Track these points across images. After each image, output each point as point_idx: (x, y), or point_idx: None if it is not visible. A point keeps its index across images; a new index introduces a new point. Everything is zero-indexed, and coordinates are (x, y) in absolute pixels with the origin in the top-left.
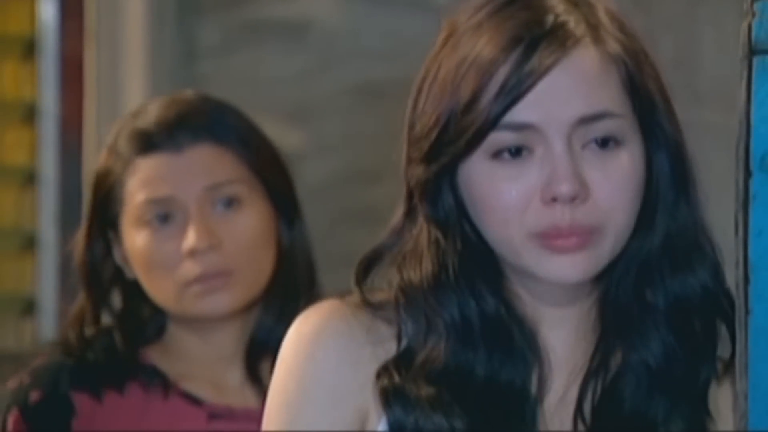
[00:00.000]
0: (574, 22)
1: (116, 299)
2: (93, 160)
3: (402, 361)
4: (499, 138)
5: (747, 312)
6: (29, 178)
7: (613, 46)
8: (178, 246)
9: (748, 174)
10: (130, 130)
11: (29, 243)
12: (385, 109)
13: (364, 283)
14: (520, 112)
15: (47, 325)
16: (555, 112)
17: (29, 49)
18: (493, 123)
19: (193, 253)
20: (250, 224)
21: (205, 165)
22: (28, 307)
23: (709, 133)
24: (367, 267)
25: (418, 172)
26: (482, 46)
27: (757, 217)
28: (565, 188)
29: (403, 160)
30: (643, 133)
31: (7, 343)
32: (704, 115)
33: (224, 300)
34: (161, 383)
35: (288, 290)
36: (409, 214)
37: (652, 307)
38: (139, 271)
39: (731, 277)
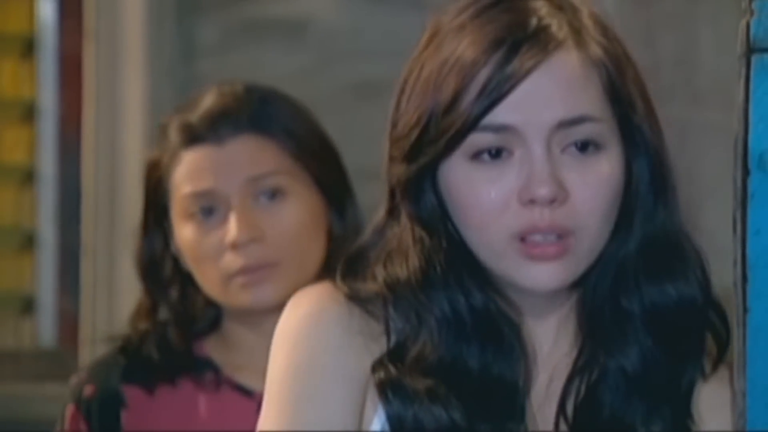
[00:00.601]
0: (556, 26)
1: (172, 293)
2: (92, 159)
3: (395, 356)
4: (478, 139)
5: (745, 310)
6: (28, 177)
7: (595, 51)
8: (222, 238)
9: (746, 172)
10: (178, 122)
11: (28, 241)
12: (384, 107)
13: (348, 280)
14: (500, 114)
15: (46, 324)
16: (535, 115)
17: (28, 47)
18: (473, 124)
19: (235, 246)
20: (295, 215)
21: (246, 157)
22: (27, 306)
23: (708, 132)
24: (351, 265)
25: (400, 171)
26: (464, 47)
27: (755, 216)
28: (543, 191)
29: (385, 159)
30: (624, 138)
31: (6, 341)
32: (703, 113)
33: (269, 291)
34: (213, 375)
35: None
36: (392, 212)
37: (628, 313)
38: (188, 262)
39: (729, 276)
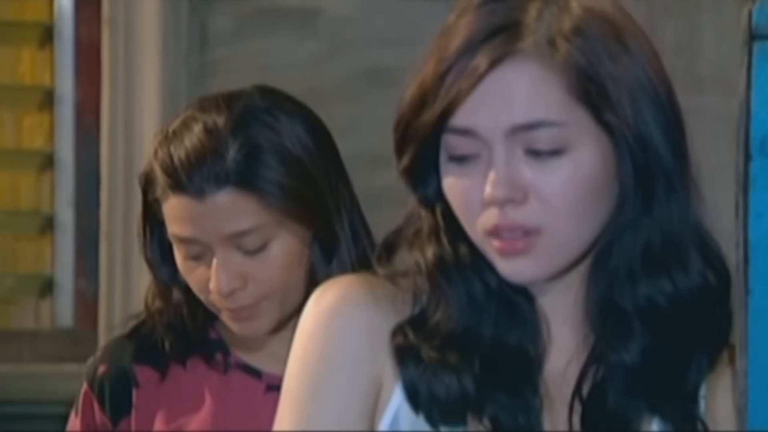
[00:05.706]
0: (525, 27)
1: (181, 279)
2: (109, 144)
3: (415, 324)
4: (450, 140)
5: (747, 292)
6: (47, 162)
7: (563, 53)
8: (207, 277)
9: (747, 158)
10: (163, 158)
11: (47, 225)
12: (394, 94)
13: (387, 263)
14: (460, 118)
15: (65, 305)
16: (491, 119)
17: (47, 35)
18: (435, 127)
19: (218, 294)
20: (279, 260)
21: (226, 213)
22: (47, 288)
23: (709, 117)
24: (389, 248)
25: (400, 161)
26: (444, 47)
27: (756, 200)
28: (498, 192)
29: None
30: (607, 136)
31: (26, 322)
32: (704, 99)
33: (257, 325)
34: (222, 356)
35: None
36: None
37: (623, 310)
38: None
39: (732, 259)
